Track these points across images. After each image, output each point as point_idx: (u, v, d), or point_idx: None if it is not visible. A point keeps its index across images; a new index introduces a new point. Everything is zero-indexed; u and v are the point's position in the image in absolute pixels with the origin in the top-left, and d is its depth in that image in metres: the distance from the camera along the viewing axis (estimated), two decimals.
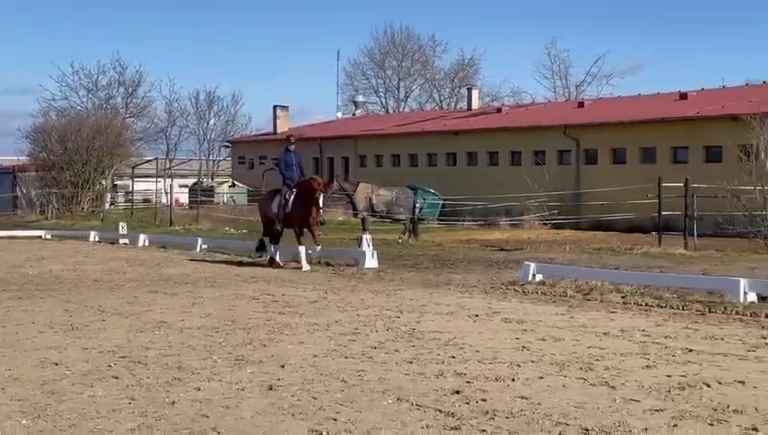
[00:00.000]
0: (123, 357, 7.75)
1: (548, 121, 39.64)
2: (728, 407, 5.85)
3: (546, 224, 31.09)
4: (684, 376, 6.80)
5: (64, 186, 44.05)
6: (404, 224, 26.29)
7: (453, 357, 7.62)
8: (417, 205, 27.30)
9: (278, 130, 55.45)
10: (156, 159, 52.57)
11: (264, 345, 8.31)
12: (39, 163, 47.04)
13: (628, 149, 35.58)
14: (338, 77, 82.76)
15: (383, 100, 74.84)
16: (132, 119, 64.39)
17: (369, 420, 5.61)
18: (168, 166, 51.78)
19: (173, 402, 6.11)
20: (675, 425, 5.45)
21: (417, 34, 73.80)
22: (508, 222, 32.21)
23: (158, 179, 47.82)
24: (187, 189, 49.77)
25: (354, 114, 64.57)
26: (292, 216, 17.23)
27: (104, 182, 46.40)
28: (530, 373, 6.95)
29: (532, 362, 7.43)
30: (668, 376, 6.80)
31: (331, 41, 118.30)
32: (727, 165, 27.19)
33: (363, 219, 25.84)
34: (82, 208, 43.29)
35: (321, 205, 17.35)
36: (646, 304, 11.07)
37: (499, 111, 47.92)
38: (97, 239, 26.49)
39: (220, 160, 69.47)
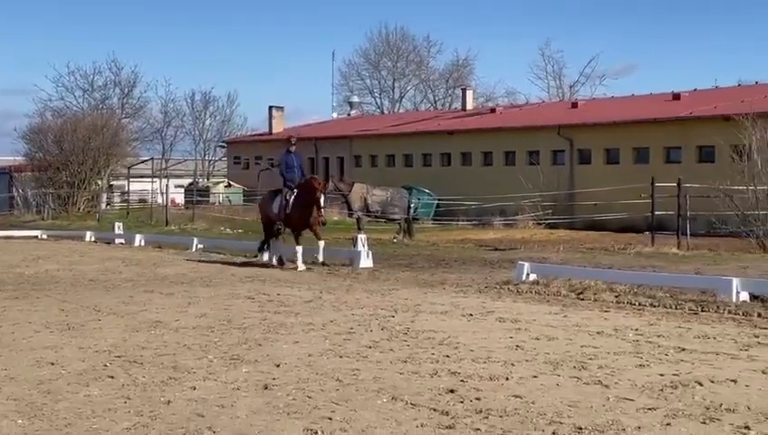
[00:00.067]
0: (119, 357, 7.77)
1: (542, 122, 39.69)
2: (721, 405, 5.88)
3: (540, 224, 31.14)
4: (677, 375, 6.83)
5: (60, 186, 44.03)
6: (399, 224, 26.33)
7: (447, 356, 7.65)
8: (412, 205, 27.34)
9: (274, 131, 55.47)
10: (152, 159, 52.50)
11: (260, 345, 8.33)
12: (35, 163, 47.01)
13: (622, 150, 35.67)
14: (333, 77, 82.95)
15: (378, 100, 74.90)
16: (128, 119, 64.43)
17: (364, 419, 5.63)
18: (163, 166, 51.63)
19: (168, 402, 6.13)
20: (668, 424, 5.48)
21: (411, 35, 73.87)
22: (502, 222, 32.26)
23: (154, 180, 47.72)
24: (182, 190, 49.70)
25: (349, 114, 64.54)
26: (292, 216, 17.19)
27: (100, 182, 46.38)
28: (524, 372, 6.98)
29: (526, 361, 7.46)
30: (661, 375, 6.84)
31: (326, 41, 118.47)
32: (720, 165, 27.25)
33: (358, 219, 25.88)
34: (78, 209, 43.26)
35: (322, 204, 17.28)
36: (639, 304, 11.09)
37: (493, 111, 47.95)
38: (93, 239, 26.51)
39: (216, 161, 69.47)
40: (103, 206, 45.10)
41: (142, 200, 48.56)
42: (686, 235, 20.60)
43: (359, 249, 17.16)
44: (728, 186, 20.76)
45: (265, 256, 17.91)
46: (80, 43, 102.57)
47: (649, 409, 5.82)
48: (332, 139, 48.51)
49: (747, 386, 6.48)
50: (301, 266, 16.44)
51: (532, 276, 13.53)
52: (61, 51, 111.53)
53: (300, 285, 13.91)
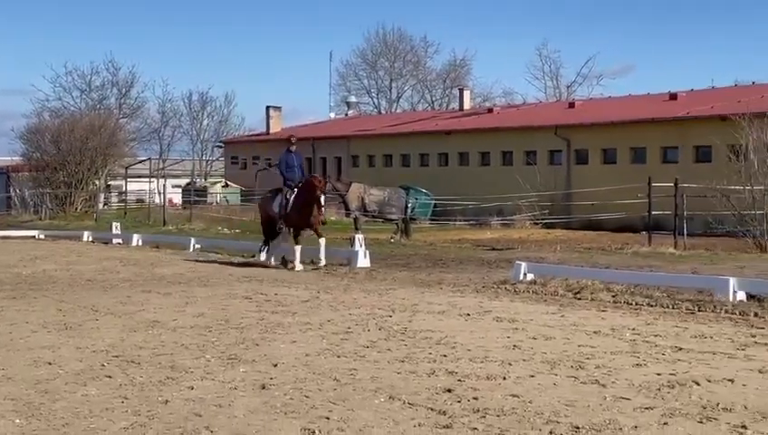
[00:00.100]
0: (116, 356, 7.77)
1: (539, 122, 39.72)
2: (717, 405, 5.89)
3: (537, 223, 31.19)
4: (673, 374, 6.85)
5: (58, 186, 44.03)
6: (396, 223, 26.35)
7: (444, 356, 7.66)
8: (409, 205, 27.39)
9: (271, 131, 55.48)
10: (149, 159, 52.55)
11: (257, 344, 8.34)
12: (33, 164, 47.02)
13: (619, 150, 35.71)
14: (330, 78, 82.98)
15: (375, 100, 74.96)
16: (125, 119, 64.35)
17: (362, 419, 5.64)
18: (161, 166, 51.75)
19: (166, 401, 6.13)
20: (665, 423, 5.48)
21: (408, 35, 73.93)
22: (499, 222, 32.29)
23: (152, 180, 47.73)
24: (180, 189, 49.74)
25: (347, 115, 64.58)
26: (292, 215, 17.15)
27: (98, 182, 46.37)
28: (521, 372, 6.99)
29: (524, 360, 7.47)
30: (658, 374, 6.85)
31: (323, 42, 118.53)
32: (717, 165, 27.29)
33: (355, 219, 25.89)
34: (76, 209, 43.26)
35: (322, 203, 17.18)
36: (636, 303, 11.11)
37: (490, 111, 47.98)
38: (90, 239, 26.51)
39: (213, 161, 69.45)
40: (101, 206, 45.08)
41: (140, 200, 48.60)
42: (683, 234, 20.63)
43: (356, 249, 17.17)
44: (725, 186, 20.79)
45: (262, 256, 17.87)
46: (77, 43, 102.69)
47: (646, 408, 5.83)
48: (330, 139, 48.52)
49: (744, 385, 6.50)
50: (298, 267, 16.43)
51: (530, 276, 13.54)
52: (58, 51, 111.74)
53: (297, 284, 13.92)
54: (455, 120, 45.92)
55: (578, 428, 5.37)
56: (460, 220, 33.57)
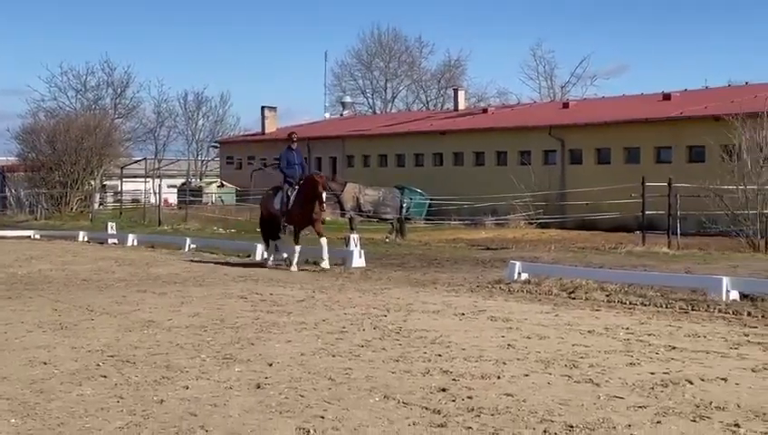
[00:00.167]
0: (112, 356, 7.77)
1: (533, 122, 39.78)
2: (711, 404, 5.91)
3: (531, 223, 31.24)
4: (667, 373, 6.87)
5: (53, 186, 43.99)
6: (391, 223, 26.38)
7: (439, 355, 7.68)
8: (404, 204, 27.40)
9: (266, 131, 55.52)
10: (144, 159, 52.56)
11: (252, 344, 8.35)
12: (28, 164, 46.99)
13: (613, 150, 35.79)
14: (325, 78, 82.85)
15: (370, 100, 74.99)
16: (121, 119, 64.47)
17: (356, 418, 5.65)
18: (156, 166, 51.66)
19: (161, 401, 6.14)
20: (658, 422, 5.50)
21: (403, 36, 74.02)
22: (494, 221, 32.34)
23: (147, 180, 47.75)
24: (175, 189, 49.70)
25: (342, 115, 64.58)
26: (294, 212, 17.07)
27: (93, 182, 46.34)
28: (515, 371, 7.01)
29: (518, 359, 7.49)
30: (652, 373, 6.87)
31: (318, 42, 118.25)
32: (710, 165, 27.36)
33: (350, 219, 25.92)
34: (71, 209, 43.23)
35: (324, 199, 17.03)
36: (630, 303, 11.14)
37: (485, 111, 48.04)
38: (86, 239, 26.49)
39: (208, 161, 69.36)
40: (96, 206, 45.08)
41: (135, 200, 48.58)
42: (677, 234, 20.68)
43: (351, 249, 17.18)
44: (718, 185, 20.84)
45: (271, 260, 17.52)
46: (72, 43, 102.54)
47: (640, 407, 5.85)
48: (325, 139, 48.51)
49: (737, 384, 6.52)
50: (293, 268, 16.41)
51: (524, 276, 13.57)
52: (54, 51, 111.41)
53: (292, 284, 13.93)
54: (449, 121, 45.95)
55: (572, 426, 5.38)
56: (455, 220, 33.62)
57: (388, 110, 71.07)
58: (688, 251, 18.74)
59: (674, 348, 7.97)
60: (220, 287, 13.48)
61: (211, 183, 53.46)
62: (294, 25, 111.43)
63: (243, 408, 5.93)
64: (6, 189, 48.22)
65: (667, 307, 10.78)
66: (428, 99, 72.48)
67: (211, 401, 6.13)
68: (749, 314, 10.09)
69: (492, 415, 5.68)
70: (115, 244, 24.90)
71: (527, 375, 6.86)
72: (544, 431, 5.33)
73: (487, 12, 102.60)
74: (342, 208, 26.65)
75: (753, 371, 7.01)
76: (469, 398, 6.12)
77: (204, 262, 18.39)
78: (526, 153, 38.37)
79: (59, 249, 22.63)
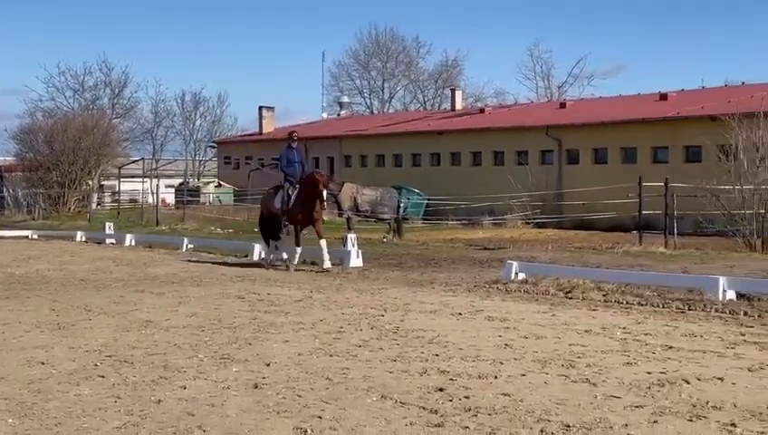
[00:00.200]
0: (109, 356, 7.78)
1: (530, 122, 39.81)
2: (707, 403, 5.92)
3: (529, 223, 31.27)
4: (663, 373, 6.88)
5: (51, 186, 44.01)
6: (388, 223, 26.40)
7: (436, 355, 7.68)
8: (402, 204, 27.44)
9: (264, 131, 55.54)
10: (142, 159, 52.53)
11: (250, 344, 8.36)
12: (26, 164, 47.03)
13: (610, 150, 35.82)
14: (323, 78, 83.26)
15: (368, 100, 75.01)
16: (119, 119, 64.51)
17: (354, 418, 5.66)
18: (154, 166, 51.67)
19: (159, 401, 6.15)
20: (654, 421, 5.51)
21: (401, 36, 74.06)
22: (491, 221, 32.37)
23: (145, 180, 47.74)
24: (173, 189, 49.71)
25: (339, 115, 64.59)
26: (294, 211, 16.97)
27: (91, 182, 46.37)
28: (512, 371, 7.02)
29: (515, 359, 7.50)
30: (648, 373, 6.88)
31: (316, 42, 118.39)
32: (707, 165, 27.38)
33: (348, 219, 25.95)
34: (69, 209, 43.25)
35: (324, 198, 16.95)
36: (626, 302, 11.16)
37: (482, 111, 48.06)
38: (84, 239, 26.50)
39: (206, 161, 69.40)
40: (94, 206, 45.08)
41: (133, 200, 48.57)
42: (674, 234, 20.70)
43: (348, 249, 17.18)
44: (715, 185, 20.85)
45: (271, 258, 17.52)
46: (70, 43, 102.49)
47: (637, 406, 5.86)
48: (322, 139, 48.52)
49: (734, 384, 6.53)
50: (292, 269, 16.38)
51: (521, 275, 13.58)
52: (51, 51, 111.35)
53: (290, 284, 13.94)
54: (447, 121, 45.97)
55: (569, 426, 5.40)
56: (452, 220, 33.64)
57: (385, 110, 71.10)
58: (685, 251, 18.76)
59: (670, 348, 7.98)
60: (218, 287, 13.48)
61: (209, 183, 53.47)
62: (292, 25, 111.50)
63: (240, 408, 5.94)
64: (4, 189, 48.23)
65: (663, 307, 10.80)
66: (426, 99, 72.60)
67: (209, 400, 6.14)
68: (745, 313, 10.11)
69: (489, 415, 5.69)
70: (113, 244, 24.90)
71: (524, 375, 6.87)
72: (541, 431, 5.34)
73: (485, 12, 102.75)
74: (340, 208, 26.68)
75: (749, 370, 7.02)
76: (466, 397, 6.13)
77: (201, 262, 18.39)
78: (523, 153, 38.41)
79: (57, 249, 22.63)
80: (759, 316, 9.95)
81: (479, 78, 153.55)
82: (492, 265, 16.43)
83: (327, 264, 16.09)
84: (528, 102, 55.40)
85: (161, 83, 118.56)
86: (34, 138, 46.59)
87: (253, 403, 6.06)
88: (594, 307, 10.91)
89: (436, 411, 5.78)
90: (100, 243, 25.40)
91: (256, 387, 6.53)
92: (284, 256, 17.46)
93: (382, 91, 74.00)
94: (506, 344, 8.21)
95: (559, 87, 67.22)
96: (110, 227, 26.86)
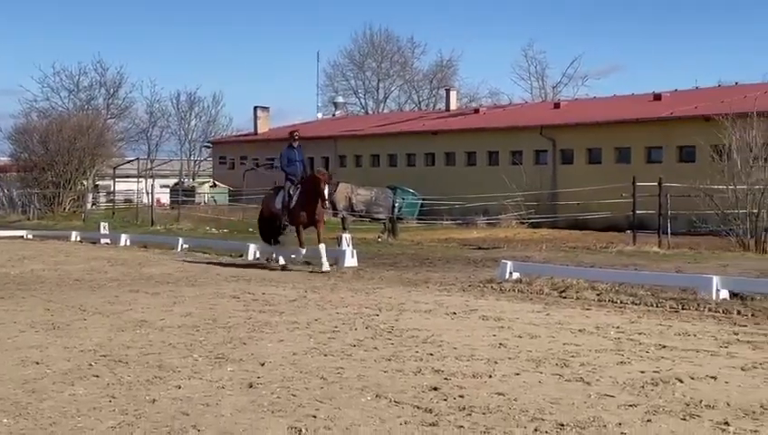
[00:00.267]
0: (104, 356, 7.78)
1: (525, 122, 39.84)
2: (700, 402, 5.94)
3: (523, 223, 31.30)
4: (657, 372, 6.90)
5: (46, 186, 43.97)
6: (383, 223, 26.42)
7: (431, 354, 7.70)
8: (397, 204, 27.47)
9: (259, 131, 55.53)
10: (137, 159, 52.54)
11: (245, 344, 8.36)
12: (20, 164, 46.98)
13: (604, 149, 35.88)
14: (318, 78, 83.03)
15: (362, 101, 74.98)
16: (113, 120, 64.38)
17: (348, 417, 5.67)
18: (149, 166, 51.71)
19: (153, 400, 6.15)
20: (648, 420, 5.53)
21: (396, 36, 74.06)
22: (486, 221, 32.40)
23: (140, 180, 47.75)
24: (168, 190, 49.69)
25: (334, 115, 64.59)
26: (296, 211, 16.84)
27: (86, 182, 46.31)
28: (506, 370, 7.03)
29: (509, 358, 7.52)
30: (642, 372, 6.90)
31: (310, 42, 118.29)
32: (700, 165, 27.43)
33: (343, 219, 25.96)
34: (64, 209, 43.21)
35: (326, 196, 16.79)
36: (620, 302, 11.17)
37: (477, 111, 48.10)
38: (78, 239, 26.48)
39: (201, 161, 69.36)
40: (89, 206, 45.03)
41: (128, 200, 48.55)
42: (667, 234, 20.74)
43: (343, 248, 17.19)
44: (708, 185, 20.90)
45: (281, 260, 17.39)
46: (65, 43, 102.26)
47: (630, 405, 5.88)
48: (317, 139, 48.45)
49: (727, 383, 6.55)
50: (290, 266, 16.16)
51: (515, 275, 13.60)
52: (46, 51, 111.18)
53: (285, 284, 13.94)
54: (441, 121, 45.99)
55: (562, 425, 5.41)
56: (447, 220, 33.67)
57: (380, 110, 71.09)
58: (679, 250, 18.80)
59: (664, 347, 8.00)
60: (212, 287, 13.49)
61: (204, 183, 53.44)
62: (287, 26, 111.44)
63: (235, 407, 5.95)
64: None
65: (657, 306, 10.82)
66: (420, 99, 72.61)
67: (203, 400, 6.14)
68: (739, 312, 10.13)
69: (483, 414, 5.70)
70: (108, 244, 24.88)
71: (518, 374, 6.89)
72: (535, 430, 5.35)
73: (479, 12, 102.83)
74: (335, 208, 26.67)
75: (742, 369, 7.04)
76: (461, 397, 6.14)
77: (196, 262, 18.39)
78: (518, 153, 38.44)
79: (51, 249, 22.61)
80: (752, 315, 9.97)
81: (474, 78, 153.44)
82: (486, 264, 16.45)
83: (325, 266, 15.97)
84: (522, 103, 55.45)
85: (156, 84, 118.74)
86: (29, 138, 46.55)
87: (247, 403, 6.07)
88: (588, 307, 10.93)
89: (430, 411, 5.79)
90: (94, 243, 25.37)
91: (251, 386, 6.54)
92: (280, 259, 17.38)
93: (377, 91, 74.06)
94: (501, 344, 8.23)
95: (553, 87, 67.35)
96: (104, 227, 26.86)
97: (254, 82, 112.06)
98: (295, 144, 17.65)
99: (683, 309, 10.57)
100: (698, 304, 10.68)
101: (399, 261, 18.01)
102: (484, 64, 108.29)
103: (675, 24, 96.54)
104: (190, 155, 73.37)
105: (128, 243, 24.08)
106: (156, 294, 12.53)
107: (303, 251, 16.75)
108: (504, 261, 14.20)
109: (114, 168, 47.81)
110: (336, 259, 16.97)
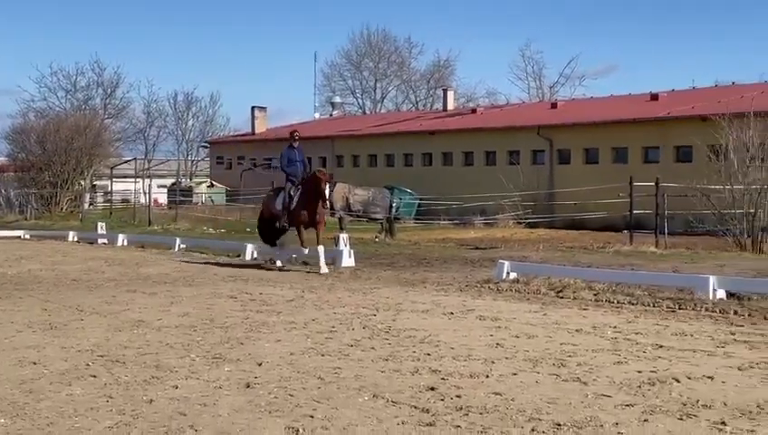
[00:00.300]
0: (101, 356, 7.78)
1: (522, 122, 39.87)
2: (697, 402, 5.95)
3: (520, 223, 31.33)
4: (654, 372, 6.91)
5: (43, 186, 43.94)
6: (380, 223, 26.42)
7: (428, 354, 7.71)
8: (394, 204, 27.47)
9: (256, 131, 55.52)
10: (134, 159, 52.53)
11: (242, 344, 8.37)
12: (18, 164, 46.95)
13: (601, 149, 35.91)
14: (315, 78, 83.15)
15: (360, 101, 75.00)
16: (111, 120, 64.37)
17: (346, 417, 5.68)
18: (146, 166, 51.65)
19: (151, 400, 6.16)
20: (645, 420, 5.54)
21: (393, 36, 74.09)
22: (483, 221, 32.42)
23: (137, 180, 47.71)
24: (165, 190, 49.66)
25: (331, 115, 64.58)
26: (296, 212, 16.76)
27: (83, 182, 46.30)
28: (504, 370, 7.04)
29: (506, 358, 7.53)
30: (639, 372, 6.91)
31: (308, 42, 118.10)
32: (697, 165, 27.45)
33: (340, 219, 25.95)
34: (61, 209, 43.19)
35: (327, 196, 16.75)
36: (617, 302, 11.19)
37: (474, 111, 48.12)
38: (76, 239, 26.47)
39: (198, 161, 69.32)
40: (86, 206, 45.01)
41: (125, 200, 48.53)
42: (664, 233, 20.77)
43: (341, 248, 17.19)
44: (705, 185, 20.92)
45: (278, 263, 17.31)
46: (62, 43, 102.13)
47: (627, 405, 5.89)
48: (315, 139, 48.42)
49: (723, 382, 6.56)
50: (324, 268, 15.87)
51: (513, 275, 13.62)
52: (44, 52, 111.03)
53: (282, 284, 13.95)
54: (439, 121, 46.01)
55: (559, 425, 5.42)
56: (444, 220, 33.69)
57: (377, 110, 71.08)
58: (676, 250, 18.82)
59: (661, 347, 8.02)
60: (210, 287, 13.49)
61: (201, 183, 53.42)
62: (284, 26, 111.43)
63: (232, 407, 5.95)
64: None
65: (654, 306, 10.84)
66: (418, 99, 72.62)
67: (200, 400, 6.15)
68: (735, 312, 10.15)
69: (480, 414, 5.71)
70: (105, 244, 24.88)
71: (515, 374, 6.90)
72: (532, 430, 5.36)
73: (477, 12, 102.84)
74: (332, 208, 26.62)
75: (739, 369, 7.06)
76: (458, 397, 6.15)
77: (194, 262, 18.39)
78: (515, 153, 38.46)
79: (49, 249, 22.60)
80: (749, 315, 9.99)
81: (471, 78, 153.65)
82: (483, 264, 16.47)
83: (323, 269, 15.92)
84: (520, 103, 55.46)
85: (153, 84, 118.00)
86: (27, 138, 46.52)
87: (245, 403, 6.07)
88: (585, 306, 10.94)
89: (427, 410, 5.80)
90: (92, 243, 25.36)
91: (248, 386, 6.54)
92: (278, 262, 17.36)
93: (374, 91, 74.07)
94: (498, 344, 8.24)
95: (550, 87, 67.39)
96: (102, 227, 26.83)
97: (252, 81, 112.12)
98: (296, 144, 17.59)
99: (680, 309, 10.59)
100: (695, 304, 10.70)
101: (397, 261, 18.02)
102: (481, 64, 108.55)
103: (672, 24, 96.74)
104: (187, 155, 73.46)
105: (125, 243, 24.08)
106: (153, 295, 12.53)
107: (305, 251, 16.66)
108: (501, 261, 14.21)
109: (111, 168, 47.78)
110: (333, 259, 16.98)
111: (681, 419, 5.58)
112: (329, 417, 5.68)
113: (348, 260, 16.91)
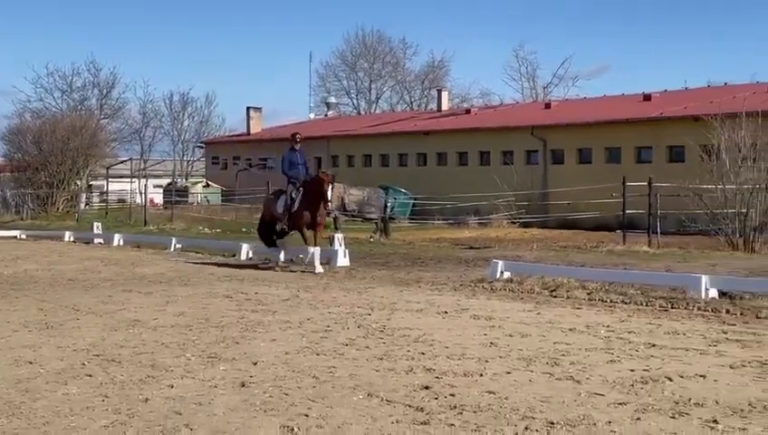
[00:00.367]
0: (97, 355, 7.79)
1: (516, 122, 39.93)
2: (689, 400, 5.97)
3: (514, 223, 31.39)
4: (647, 370, 6.93)
5: (39, 186, 43.90)
6: (375, 223, 26.45)
7: (422, 353, 7.73)
8: (389, 204, 27.53)
9: (251, 131, 55.51)
10: (130, 159, 52.51)
11: (237, 343, 8.38)
12: (14, 164, 46.91)
13: (594, 150, 35.99)
14: (310, 79, 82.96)
15: (355, 101, 74.98)
16: (107, 120, 64.23)
17: (340, 416, 5.70)
18: (142, 166, 51.65)
19: (146, 399, 6.17)
20: (638, 418, 5.56)
21: (387, 37, 74.07)
22: (477, 221, 32.48)
23: (133, 180, 47.70)
24: (161, 190, 49.64)
25: (326, 115, 64.58)
26: (298, 215, 16.61)
27: (79, 183, 46.25)
28: (497, 369, 7.07)
29: (500, 357, 7.55)
30: (632, 370, 6.94)
31: (303, 43, 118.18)
32: (690, 165, 27.52)
33: (335, 218, 25.96)
34: (57, 209, 43.14)
35: (328, 198, 16.61)
36: (610, 301, 11.22)
37: (468, 112, 48.18)
38: (72, 239, 26.44)
39: (194, 161, 69.25)
40: (82, 206, 44.94)
41: (121, 200, 48.50)
42: (657, 233, 20.81)
43: (336, 248, 17.21)
44: (698, 185, 20.98)
45: (281, 256, 17.22)
46: (58, 43, 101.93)
47: (620, 403, 5.91)
48: (310, 139, 48.28)
49: (716, 381, 6.59)
50: (319, 268, 15.81)
51: (506, 274, 13.64)
52: (40, 52, 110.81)
53: (277, 283, 13.96)
54: (433, 121, 46.05)
55: (553, 423, 5.44)
56: (438, 219, 33.73)
57: (372, 110, 71.09)
58: (668, 250, 18.85)
59: (653, 345, 8.04)
60: (205, 287, 13.50)
61: (197, 183, 53.42)
62: (279, 26, 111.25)
63: (227, 406, 5.97)
64: None
65: (647, 305, 10.87)
66: (412, 99, 72.65)
67: (196, 399, 6.16)
68: (727, 311, 10.18)
69: (474, 412, 5.73)
70: (101, 244, 24.84)
71: (509, 373, 6.92)
72: (526, 428, 5.38)
73: (471, 13, 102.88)
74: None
75: (731, 367, 7.08)
76: (452, 395, 6.17)
77: (189, 262, 18.39)
78: (509, 153, 38.52)
79: (45, 249, 22.58)
80: (741, 314, 10.02)
81: (465, 79, 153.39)
82: (477, 264, 16.49)
83: (318, 269, 15.87)
84: (513, 103, 55.53)
85: (149, 84, 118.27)
86: (23, 138, 46.48)
87: (240, 402, 6.09)
88: (578, 306, 10.97)
89: (421, 409, 5.82)
90: (88, 243, 25.34)
91: (243, 386, 6.56)
92: (280, 257, 17.31)
93: (369, 91, 74.06)
94: (491, 343, 8.26)
95: (544, 88, 67.40)
96: (98, 227, 26.86)
97: (247, 82, 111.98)
98: (297, 147, 17.42)
99: (672, 308, 10.62)
100: (687, 303, 10.74)
101: (391, 260, 18.04)
102: (475, 65, 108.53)
103: (665, 25, 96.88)
104: (183, 155, 73.28)
105: (121, 243, 24.07)
106: (149, 294, 12.54)
107: (311, 250, 16.34)
108: (495, 260, 14.24)
109: (107, 168, 47.78)
110: (328, 259, 17.00)
111: (673, 417, 5.60)
112: (323, 416, 5.70)
113: (343, 260, 16.92)
